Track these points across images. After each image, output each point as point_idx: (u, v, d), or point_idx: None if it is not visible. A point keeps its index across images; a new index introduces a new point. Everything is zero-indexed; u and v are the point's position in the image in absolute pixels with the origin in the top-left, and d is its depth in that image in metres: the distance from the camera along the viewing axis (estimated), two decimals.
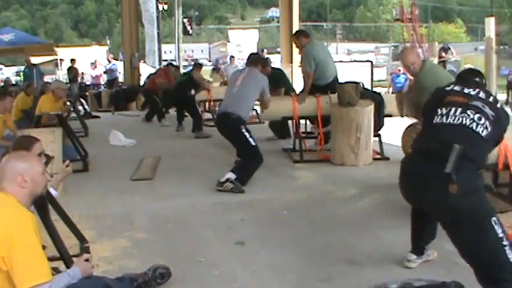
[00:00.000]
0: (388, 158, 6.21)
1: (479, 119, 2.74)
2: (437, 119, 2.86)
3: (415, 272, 3.10)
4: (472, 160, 2.63)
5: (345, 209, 4.57)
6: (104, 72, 17.67)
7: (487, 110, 2.78)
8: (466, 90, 2.91)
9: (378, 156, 6.25)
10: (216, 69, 15.45)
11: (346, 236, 3.90)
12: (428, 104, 3.10)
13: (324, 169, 5.89)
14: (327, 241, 3.79)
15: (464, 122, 2.75)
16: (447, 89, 3.03)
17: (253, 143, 5.18)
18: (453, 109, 2.83)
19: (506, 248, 2.50)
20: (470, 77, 3.18)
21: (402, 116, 5.43)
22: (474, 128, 2.72)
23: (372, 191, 4.94)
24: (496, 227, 2.52)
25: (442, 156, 2.59)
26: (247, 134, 5.18)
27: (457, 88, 2.97)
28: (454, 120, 2.78)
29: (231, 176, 5.05)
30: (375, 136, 6.20)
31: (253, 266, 3.38)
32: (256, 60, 5.85)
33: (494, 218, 2.54)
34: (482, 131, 2.72)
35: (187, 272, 3.29)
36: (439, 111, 2.88)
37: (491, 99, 2.87)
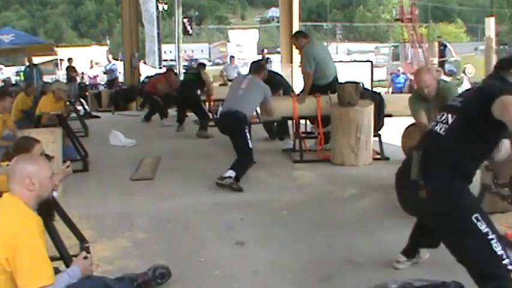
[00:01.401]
0: (388, 158, 6.21)
1: (442, 116, 2.72)
2: (430, 125, 2.88)
3: (416, 272, 3.10)
4: (440, 163, 2.59)
5: (345, 209, 4.57)
6: (104, 73, 17.67)
7: (456, 101, 2.74)
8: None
9: (378, 156, 6.26)
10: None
11: (346, 236, 3.90)
12: None
13: (324, 169, 5.89)
14: (327, 241, 3.79)
15: (432, 126, 2.76)
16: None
17: (250, 146, 5.36)
18: (433, 116, 2.89)
19: (493, 241, 2.45)
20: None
21: None
22: (435, 129, 2.71)
23: (372, 191, 4.94)
24: (478, 223, 2.46)
25: (409, 164, 2.64)
26: (248, 136, 5.36)
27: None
28: (431, 127, 2.80)
29: (232, 174, 5.13)
30: (375, 136, 6.20)
31: (253, 266, 3.38)
32: (258, 68, 5.96)
33: (475, 215, 2.48)
34: (440, 129, 2.67)
35: (187, 272, 3.29)
36: (435, 118, 2.85)
37: (477, 86, 2.78)
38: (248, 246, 3.75)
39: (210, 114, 9.63)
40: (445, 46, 22.23)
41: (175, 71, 12.58)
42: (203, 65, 10.21)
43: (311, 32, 54.24)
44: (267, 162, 6.21)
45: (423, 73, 4.62)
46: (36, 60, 16.30)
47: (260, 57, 19.10)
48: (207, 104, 10.28)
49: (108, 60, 17.43)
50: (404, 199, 2.81)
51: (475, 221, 2.47)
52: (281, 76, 8.21)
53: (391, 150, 6.32)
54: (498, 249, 2.44)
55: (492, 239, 2.45)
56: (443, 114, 2.72)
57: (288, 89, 7.59)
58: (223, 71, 15.38)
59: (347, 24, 64.63)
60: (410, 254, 3.23)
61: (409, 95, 5.26)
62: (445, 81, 4.82)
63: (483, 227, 2.47)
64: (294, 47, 9.28)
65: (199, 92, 9.00)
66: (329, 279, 3.17)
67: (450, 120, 2.65)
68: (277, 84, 7.33)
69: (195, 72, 9.54)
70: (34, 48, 15.41)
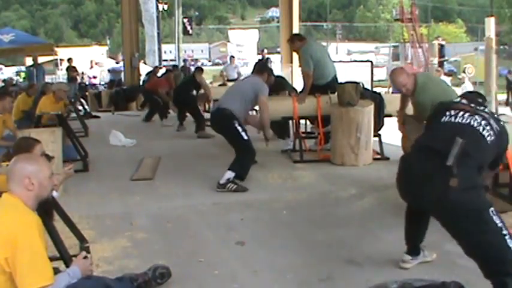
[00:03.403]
0: (388, 158, 6.21)
1: (486, 125, 2.82)
2: (445, 119, 2.93)
3: (416, 272, 3.10)
4: (473, 158, 2.68)
5: (345, 209, 4.57)
6: (109, 71, 17.60)
7: (492, 122, 2.86)
8: (472, 105, 3.00)
9: (378, 156, 6.26)
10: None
11: (346, 236, 3.90)
12: (435, 110, 3.18)
13: (324, 169, 5.89)
14: (327, 241, 3.79)
15: (472, 123, 2.83)
16: (455, 101, 3.17)
17: (245, 137, 5.20)
18: (461, 112, 2.91)
19: (507, 237, 2.54)
20: (473, 97, 3.22)
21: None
22: (481, 130, 2.79)
23: (372, 191, 4.94)
24: (494, 217, 2.56)
25: (444, 152, 2.65)
26: (239, 128, 5.19)
27: (464, 101, 3.06)
28: (462, 120, 2.86)
29: (230, 175, 5.08)
30: (375, 136, 6.20)
31: (253, 266, 3.38)
32: (261, 69, 5.84)
33: (491, 209, 2.58)
34: (488, 136, 2.78)
35: (187, 272, 3.29)
36: (448, 113, 2.95)
37: (495, 115, 3.00)
38: (248, 246, 3.75)
39: (209, 114, 9.74)
40: (443, 46, 22.26)
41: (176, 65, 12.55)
42: (201, 69, 10.58)
43: (311, 32, 54.29)
44: (267, 162, 6.21)
45: (396, 75, 4.77)
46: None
47: (260, 57, 19.12)
48: (207, 105, 10.35)
49: (116, 61, 17.32)
50: (419, 189, 2.79)
51: (491, 214, 2.57)
52: (285, 80, 8.22)
53: (391, 150, 6.32)
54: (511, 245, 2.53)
55: (505, 234, 2.54)
56: (488, 124, 2.82)
57: (291, 92, 7.54)
58: (223, 71, 15.42)
59: (347, 24, 64.53)
60: (414, 252, 3.22)
61: None
62: (422, 78, 4.87)
63: (498, 221, 2.56)
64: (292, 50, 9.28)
65: (195, 92, 9.18)
66: (329, 279, 3.17)
67: (493, 137, 2.78)
68: (281, 88, 7.31)
69: (190, 76, 9.86)
70: (34, 48, 15.41)
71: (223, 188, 5.05)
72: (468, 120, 2.84)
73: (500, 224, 2.56)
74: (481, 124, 2.82)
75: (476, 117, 2.85)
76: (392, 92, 16.48)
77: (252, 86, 5.41)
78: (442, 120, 2.94)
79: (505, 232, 2.54)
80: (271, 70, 7.39)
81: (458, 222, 2.67)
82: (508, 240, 2.53)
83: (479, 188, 2.67)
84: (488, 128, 2.81)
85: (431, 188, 2.72)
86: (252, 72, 5.92)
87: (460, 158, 2.62)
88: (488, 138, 2.78)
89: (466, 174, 2.62)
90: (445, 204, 2.69)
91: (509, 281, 2.50)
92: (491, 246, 2.56)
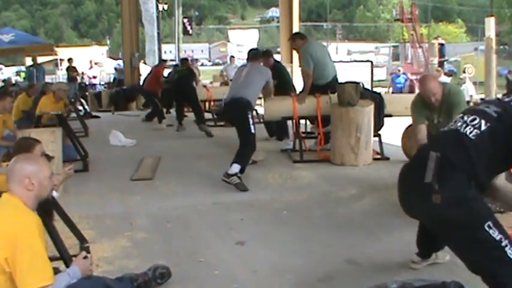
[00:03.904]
0: (388, 158, 6.21)
1: (473, 120, 2.57)
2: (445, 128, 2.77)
3: (416, 272, 3.10)
4: (459, 169, 2.47)
5: (345, 209, 4.57)
6: (115, 69, 17.56)
7: (490, 109, 2.59)
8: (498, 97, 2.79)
9: (378, 156, 6.26)
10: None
11: (346, 236, 3.90)
12: None
13: (324, 169, 5.89)
14: (327, 241, 3.79)
15: (455, 126, 2.62)
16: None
17: (252, 131, 5.38)
18: (460, 115, 2.70)
19: (507, 248, 2.39)
20: None
21: None
22: (462, 130, 2.56)
23: (372, 191, 4.94)
24: (491, 231, 2.39)
25: (425, 165, 2.50)
26: (250, 121, 5.38)
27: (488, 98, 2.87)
28: (452, 125, 2.66)
29: (237, 168, 5.12)
30: (375, 136, 6.20)
31: (253, 266, 3.38)
32: (256, 55, 6.06)
33: (488, 223, 2.40)
34: (471, 132, 2.52)
35: (187, 272, 3.29)
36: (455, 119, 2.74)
37: (504, 100, 2.67)
38: (248, 246, 3.75)
39: (209, 114, 9.77)
40: (443, 45, 22.26)
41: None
42: (187, 60, 10.81)
43: (311, 32, 54.29)
44: (267, 162, 6.22)
45: (429, 81, 4.37)
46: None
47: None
48: (206, 103, 10.35)
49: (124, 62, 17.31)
50: (409, 202, 2.69)
51: (487, 229, 2.39)
52: (284, 68, 8.10)
53: (391, 150, 6.32)
54: None
55: (506, 245, 2.39)
56: (475, 118, 2.57)
57: (287, 82, 7.49)
58: (223, 71, 15.42)
59: (347, 24, 64.55)
60: (425, 255, 3.19)
61: (409, 95, 5.27)
62: (449, 84, 4.76)
63: (496, 234, 2.39)
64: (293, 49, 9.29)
65: (194, 83, 9.34)
66: (329, 279, 3.17)
67: (483, 127, 2.52)
68: (279, 75, 7.20)
69: (186, 68, 9.94)
70: (34, 48, 15.41)
71: (227, 178, 5.08)
72: (453, 125, 2.64)
73: (498, 237, 2.38)
74: (465, 122, 2.58)
75: (465, 117, 2.62)
76: (392, 92, 16.53)
77: (261, 77, 5.71)
78: (445, 128, 2.76)
79: (504, 243, 2.38)
80: (269, 52, 7.50)
81: (451, 239, 2.57)
82: (509, 252, 2.37)
83: (471, 201, 2.44)
84: (475, 121, 2.54)
85: (416, 204, 2.61)
86: (248, 60, 6.00)
87: (441, 171, 2.44)
88: (473, 133, 2.51)
89: (451, 188, 2.44)
90: (432, 222, 2.61)
91: None
92: (489, 263, 2.41)
